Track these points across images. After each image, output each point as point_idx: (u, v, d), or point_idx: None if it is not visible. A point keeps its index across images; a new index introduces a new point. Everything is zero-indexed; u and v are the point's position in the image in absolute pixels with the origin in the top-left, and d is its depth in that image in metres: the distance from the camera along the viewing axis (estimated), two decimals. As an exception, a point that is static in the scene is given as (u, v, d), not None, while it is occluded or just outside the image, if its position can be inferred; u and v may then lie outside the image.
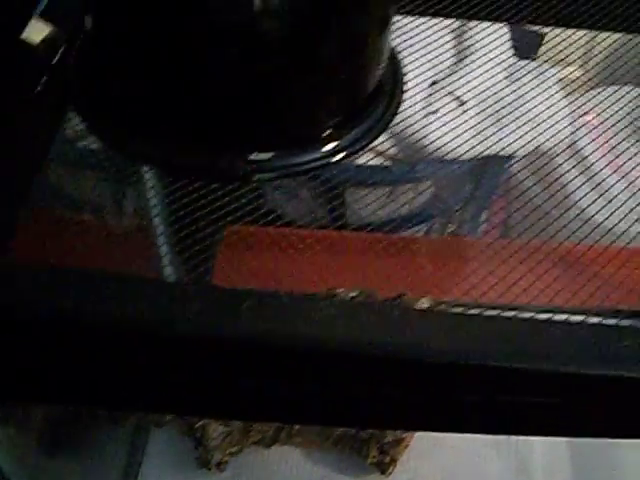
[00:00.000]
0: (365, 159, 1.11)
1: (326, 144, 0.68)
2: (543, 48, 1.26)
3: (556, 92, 1.13)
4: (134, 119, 0.68)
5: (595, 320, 0.94)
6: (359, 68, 0.69)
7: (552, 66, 1.22)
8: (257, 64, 0.62)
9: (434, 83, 1.09)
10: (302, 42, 0.63)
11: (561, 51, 1.15)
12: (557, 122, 1.09)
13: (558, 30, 1.10)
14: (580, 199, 1.10)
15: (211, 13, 0.61)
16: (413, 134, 1.07)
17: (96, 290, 0.52)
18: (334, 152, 0.68)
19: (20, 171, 0.64)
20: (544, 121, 1.07)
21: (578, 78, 1.33)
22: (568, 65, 1.31)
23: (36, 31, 0.67)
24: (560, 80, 1.23)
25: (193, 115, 0.65)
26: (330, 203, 1.09)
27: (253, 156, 0.66)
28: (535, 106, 1.09)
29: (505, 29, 1.13)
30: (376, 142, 1.06)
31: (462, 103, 1.08)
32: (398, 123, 1.06)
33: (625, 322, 0.94)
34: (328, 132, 0.68)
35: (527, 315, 0.90)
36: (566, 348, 0.53)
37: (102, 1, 0.65)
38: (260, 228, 0.94)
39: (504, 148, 1.07)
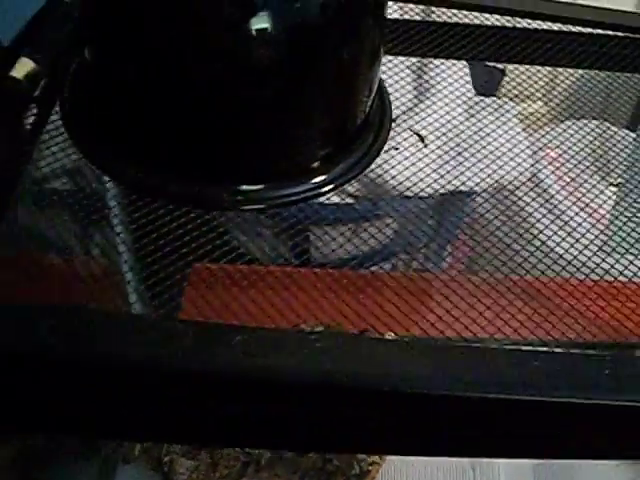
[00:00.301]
0: (328, 197, 1.11)
1: (315, 176, 0.69)
2: (505, 84, 1.27)
3: (516, 126, 1.14)
4: (126, 148, 0.68)
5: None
6: (348, 101, 0.70)
7: (513, 101, 1.23)
8: (246, 96, 0.63)
9: (394, 120, 1.10)
10: (291, 75, 0.64)
11: (523, 87, 1.17)
12: (517, 156, 1.11)
13: (520, 66, 1.12)
14: (542, 231, 1.11)
15: (202, 45, 0.61)
16: (374, 171, 1.08)
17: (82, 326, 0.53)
18: (322, 185, 0.69)
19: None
20: (504, 155, 1.08)
21: (538, 112, 1.35)
22: (530, 100, 1.33)
23: (21, 68, 0.68)
24: (521, 115, 1.24)
25: (184, 145, 0.65)
26: (293, 241, 1.09)
27: (242, 187, 0.66)
28: (495, 141, 1.10)
29: (465, 65, 1.14)
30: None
31: (422, 139, 1.10)
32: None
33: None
34: (317, 164, 0.69)
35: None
36: (537, 377, 0.54)
37: (94, 34, 0.66)
38: (225, 266, 0.94)
39: (465, 183, 1.08)
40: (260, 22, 0.60)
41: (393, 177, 1.06)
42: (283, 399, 0.54)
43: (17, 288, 0.83)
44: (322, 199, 1.10)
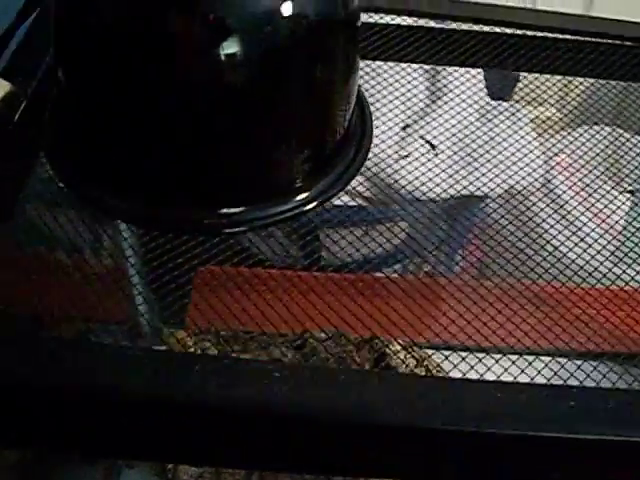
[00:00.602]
0: (340, 200, 1.11)
1: (297, 194, 0.69)
2: (518, 90, 1.27)
3: (529, 132, 1.14)
4: (106, 175, 0.68)
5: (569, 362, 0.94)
6: (325, 117, 0.70)
7: (526, 108, 1.23)
8: (221, 120, 0.63)
9: (407, 126, 1.10)
10: (265, 97, 0.64)
11: (537, 92, 1.17)
12: (530, 162, 1.10)
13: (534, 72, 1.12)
14: (554, 237, 1.11)
15: (174, 72, 0.61)
16: (387, 176, 1.08)
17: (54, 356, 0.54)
18: (305, 202, 0.69)
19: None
20: (518, 161, 1.08)
21: (552, 119, 1.34)
22: (543, 106, 1.32)
23: None
24: (533, 121, 1.24)
25: (163, 170, 0.65)
26: (305, 244, 1.09)
27: (223, 210, 0.66)
28: (508, 147, 1.09)
29: (479, 71, 1.14)
30: (351, 184, 1.07)
31: (433, 147, 1.09)
32: (372, 166, 1.07)
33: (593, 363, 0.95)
34: (299, 182, 0.69)
35: (498, 357, 0.91)
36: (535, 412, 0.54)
37: (72, 60, 0.66)
38: (233, 268, 0.94)
39: (478, 188, 1.07)
40: (230, 47, 0.61)
41: (406, 181, 1.06)
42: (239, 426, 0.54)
43: (22, 287, 0.83)
44: (335, 202, 1.10)
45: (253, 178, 0.68)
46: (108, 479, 0.95)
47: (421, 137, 1.11)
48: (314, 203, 0.69)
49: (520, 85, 1.24)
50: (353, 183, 1.07)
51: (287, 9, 0.62)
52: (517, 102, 1.23)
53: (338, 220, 1.10)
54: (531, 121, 1.30)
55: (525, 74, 1.17)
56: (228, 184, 0.67)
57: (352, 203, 1.12)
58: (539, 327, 0.93)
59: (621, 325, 0.91)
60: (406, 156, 1.01)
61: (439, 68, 1.18)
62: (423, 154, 1.06)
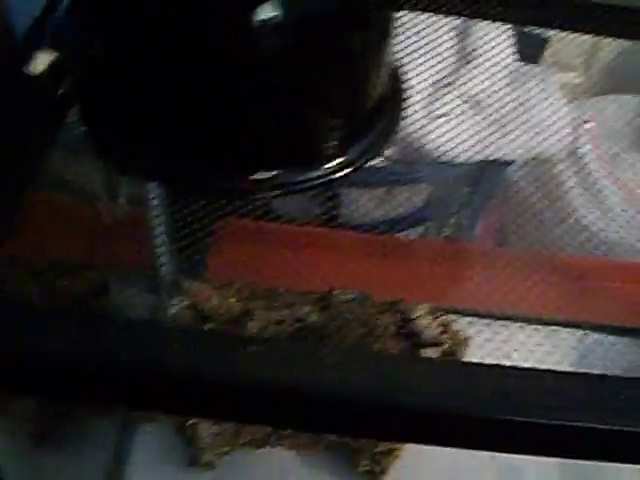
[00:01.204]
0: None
1: (331, 160, 0.67)
2: (546, 52, 1.24)
3: (559, 98, 1.11)
4: (140, 138, 0.67)
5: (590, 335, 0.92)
6: (361, 82, 0.68)
7: (555, 72, 1.20)
8: (258, 83, 0.61)
9: (436, 83, 1.07)
10: (302, 60, 0.62)
11: (565, 56, 1.15)
12: (559, 128, 1.08)
13: (562, 34, 1.09)
14: (578, 208, 1.09)
15: (214, 33, 0.60)
16: (412, 135, 1.06)
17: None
18: (338, 168, 0.67)
19: (23, 160, 0.63)
20: (547, 127, 1.06)
21: (580, 83, 1.32)
22: (570, 70, 1.30)
23: (40, 63, 0.66)
24: (562, 87, 1.21)
25: (198, 134, 0.64)
26: (325, 202, 1.07)
27: (257, 175, 0.65)
28: (537, 111, 1.07)
29: (509, 31, 1.11)
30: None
31: (466, 101, 1.07)
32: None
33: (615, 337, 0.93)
34: (332, 148, 0.67)
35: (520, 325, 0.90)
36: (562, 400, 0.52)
37: (112, 24, 0.64)
38: (253, 222, 0.92)
39: (504, 153, 1.05)
40: (266, 11, 0.59)
41: (432, 142, 1.04)
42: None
43: (48, 233, 0.82)
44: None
45: (287, 142, 0.66)
46: (125, 430, 0.94)
47: (450, 94, 1.08)
48: (346, 170, 0.68)
49: (550, 50, 1.22)
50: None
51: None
52: (547, 65, 1.20)
53: (360, 180, 1.08)
54: (562, 86, 1.28)
55: (553, 36, 1.14)
56: (262, 148, 0.65)
57: (375, 162, 1.10)
58: (563, 298, 0.92)
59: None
60: (443, 115, 0.99)
61: (469, 25, 1.16)
62: (454, 113, 1.04)
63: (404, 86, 0.75)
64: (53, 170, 0.79)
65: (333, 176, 0.67)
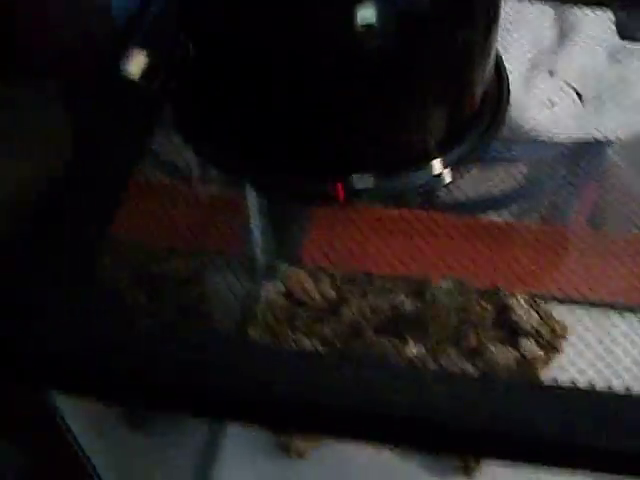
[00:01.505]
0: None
1: (430, 164, 0.66)
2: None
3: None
4: (240, 145, 0.66)
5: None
6: (463, 87, 0.66)
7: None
8: (356, 84, 0.60)
9: (534, 65, 1.05)
10: (403, 62, 0.61)
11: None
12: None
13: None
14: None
15: (310, 38, 0.59)
16: (510, 113, 1.04)
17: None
18: (439, 174, 0.66)
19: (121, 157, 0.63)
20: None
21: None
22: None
23: (135, 63, 0.66)
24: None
25: (296, 139, 0.63)
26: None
27: (355, 181, 0.64)
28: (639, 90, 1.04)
29: (608, 12, 1.09)
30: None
31: (580, 96, 1.05)
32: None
33: None
34: (433, 152, 0.66)
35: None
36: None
37: (204, 32, 0.64)
38: (350, 206, 0.92)
39: (603, 133, 1.03)
40: (366, 13, 0.57)
41: (528, 121, 1.02)
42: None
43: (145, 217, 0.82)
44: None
45: (388, 147, 0.65)
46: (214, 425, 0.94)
47: (549, 72, 1.06)
48: (447, 176, 0.67)
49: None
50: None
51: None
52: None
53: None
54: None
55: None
56: (359, 153, 0.64)
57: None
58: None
59: None
60: (552, 104, 0.97)
61: (566, 8, 1.13)
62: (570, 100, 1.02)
63: (509, 86, 0.73)
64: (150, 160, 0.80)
65: (431, 184, 0.66)
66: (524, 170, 1.08)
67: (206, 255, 0.92)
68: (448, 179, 0.66)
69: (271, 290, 0.95)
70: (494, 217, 1.03)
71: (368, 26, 0.57)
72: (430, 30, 0.61)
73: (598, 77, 1.05)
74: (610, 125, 1.02)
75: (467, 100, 0.67)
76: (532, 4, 1.06)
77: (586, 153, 1.09)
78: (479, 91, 0.67)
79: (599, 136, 1.05)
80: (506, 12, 0.97)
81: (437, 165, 0.66)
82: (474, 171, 1.14)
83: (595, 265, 0.86)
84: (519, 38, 1.00)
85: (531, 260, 0.87)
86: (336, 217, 0.93)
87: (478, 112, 0.69)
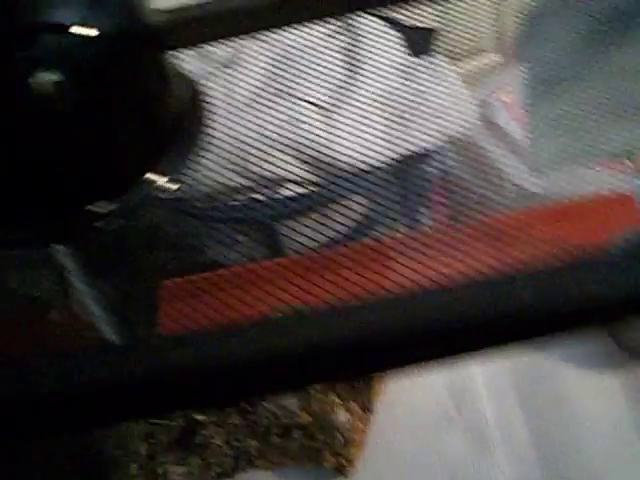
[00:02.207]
0: (290, 191, 1.12)
1: (146, 180, 0.70)
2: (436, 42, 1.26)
3: (455, 81, 1.15)
4: None
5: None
6: (150, 120, 0.71)
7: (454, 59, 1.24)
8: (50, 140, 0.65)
9: (333, 95, 1.10)
10: (90, 113, 0.66)
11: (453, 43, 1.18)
12: (463, 111, 1.11)
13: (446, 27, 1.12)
14: (504, 168, 1.12)
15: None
16: (320, 152, 1.09)
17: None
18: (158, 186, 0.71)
19: None
20: (450, 111, 1.08)
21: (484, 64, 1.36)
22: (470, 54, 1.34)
23: None
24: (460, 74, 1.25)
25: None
26: (264, 240, 1.10)
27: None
28: (438, 98, 1.10)
29: (396, 33, 1.15)
30: (291, 170, 1.08)
31: (367, 105, 1.10)
32: (306, 147, 1.08)
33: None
34: (134, 177, 0.70)
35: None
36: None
37: None
38: (193, 277, 0.95)
39: (418, 145, 1.08)
40: (46, 76, 0.63)
41: (341, 154, 1.07)
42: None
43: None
44: (284, 193, 1.10)
45: (90, 183, 0.69)
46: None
47: (347, 104, 1.11)
48: (169, 184, 0.71)
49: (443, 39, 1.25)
50: (296, 171, 1.08)
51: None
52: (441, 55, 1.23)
53: (291, 210, 1.11)
54: (468, 69, 1.31)
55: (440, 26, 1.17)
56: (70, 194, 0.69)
57: (301, 191, 1.13)
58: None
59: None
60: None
61: (356, 32, 1.19)
62: (355, 121, 1.06)
63: (204, 103, 0.78)
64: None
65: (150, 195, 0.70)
66: (360, 201, 1.11)
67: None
68: (172, 186, 0.71)
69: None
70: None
71: (43, 86, 0.62)
72: (101, 84, 0.66)
73: (396, 96, 1.10)
74: (422, 137, 1.07)
75: (159, 126, 0.72)
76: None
77: (411, 167, 1.14)
78: (168, 121, 0.72)
79: (416, 149, 1.10)
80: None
81: (153, 177, 0.70)
82: (316, 217, 1.18)
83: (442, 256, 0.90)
84: (313, 70, 1.05)
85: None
86: (183, 289, 0.96)
87: (175, 130, 0.73)
